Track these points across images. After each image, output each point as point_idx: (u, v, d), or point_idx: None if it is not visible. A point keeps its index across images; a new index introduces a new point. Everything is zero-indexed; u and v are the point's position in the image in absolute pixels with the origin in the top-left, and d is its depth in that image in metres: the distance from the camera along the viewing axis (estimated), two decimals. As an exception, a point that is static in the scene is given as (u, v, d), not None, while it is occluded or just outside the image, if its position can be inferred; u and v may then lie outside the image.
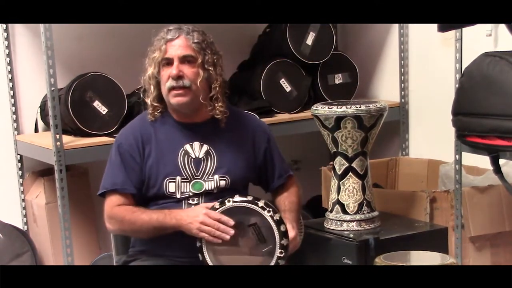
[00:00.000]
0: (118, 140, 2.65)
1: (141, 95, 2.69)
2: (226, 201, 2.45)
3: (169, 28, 2.58)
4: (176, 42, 2.55)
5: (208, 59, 2.57)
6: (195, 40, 2.55)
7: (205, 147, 2.61)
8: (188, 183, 2.58)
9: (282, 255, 2.43)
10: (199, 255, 2.44)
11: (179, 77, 2.53)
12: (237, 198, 2.46)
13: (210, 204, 2.48)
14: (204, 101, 2.58)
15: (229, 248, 2.44)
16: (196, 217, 2.43)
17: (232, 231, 2.42)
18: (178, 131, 2.62)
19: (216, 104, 2.60)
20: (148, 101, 2.62)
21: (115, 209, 2.57)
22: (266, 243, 2.44)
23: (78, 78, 3.48)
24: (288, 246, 2.45)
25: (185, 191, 2.57)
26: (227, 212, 2.44)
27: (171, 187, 2.57)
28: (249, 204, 2.44)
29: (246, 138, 2.67)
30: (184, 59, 2.54)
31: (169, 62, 2.55)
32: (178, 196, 2.57)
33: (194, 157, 2.60)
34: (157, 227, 2.49)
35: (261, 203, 2.44)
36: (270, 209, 2.43)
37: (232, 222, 2.42)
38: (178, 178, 2.57)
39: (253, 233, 2.44)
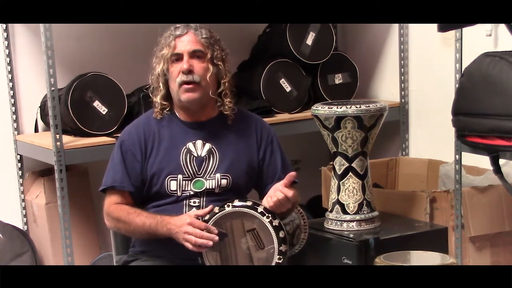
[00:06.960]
0: (121, 137, 2.65)
1: (150, 94, 2.68)
2: (225, 205, 2.45)
3: (177, 25, 2.59)
4: (185, 37, 2.57)
5: (217, 54, 2.58)
6: (204, 36, 2.57)
7: (208, 145, 2.61)
8: (189, 182, 2.57)
9: (280, 261, 2.42)
10: (199, 258, 2.45)
11: (189, 71, 2.54)
12: (236, 203, 2.45)
13: (205, 210, 2.47)
14: (213, 96, 2.60)
15: (228, 253, 2.44)
16: (181, 226, 2.43)
17: (216, 238, 2.40)
18: (182, 130, 2.62)
19: (225, 100, 2.61)
20: (157, 99, 2.62)
21: (112, 207, 2.58)
22: (265, 248, 2.44)
23: (78, 78, 3.47)
24: (287, 252, 2.44)
25: (186, 189, 2.57)
26: (226, 217, 2.44)
27: (173, 185, 2.57)
28: (248, 210, 2.44)
29: (250, 138, 2.67)
30: (193, 54, 2.56)
31: (178, 57, 2.56)
32: (179, 194, 2.57)
33: (196, 155, 2.59)
34: (150, 233, 2.51)
35: (260, 209, 2.43)
36: (270, 215, 2.43)
37: (216, 231, 2.41)
38: (180, 176, 2.57)
39: (252, 239, 2.44)
